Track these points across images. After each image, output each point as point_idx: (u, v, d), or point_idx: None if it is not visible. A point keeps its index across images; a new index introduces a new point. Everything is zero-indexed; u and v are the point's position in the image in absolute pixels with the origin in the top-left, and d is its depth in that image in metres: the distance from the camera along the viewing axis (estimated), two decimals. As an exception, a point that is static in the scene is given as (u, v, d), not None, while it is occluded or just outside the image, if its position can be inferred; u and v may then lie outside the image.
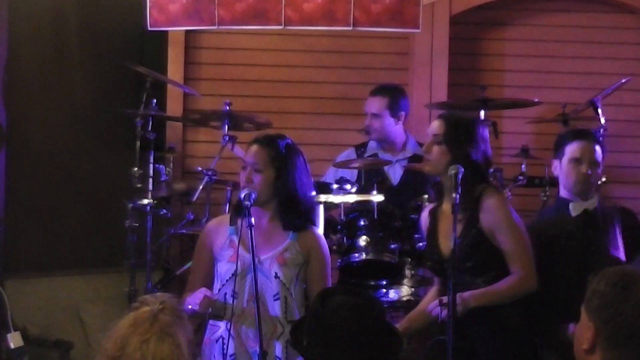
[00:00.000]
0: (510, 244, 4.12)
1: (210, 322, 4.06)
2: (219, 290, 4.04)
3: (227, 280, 4.01)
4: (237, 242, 4.02)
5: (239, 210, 4.02)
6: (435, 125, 4.25)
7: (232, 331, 3.99)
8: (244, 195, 3.96)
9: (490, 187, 4.24)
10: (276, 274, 4.06)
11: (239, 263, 3.97)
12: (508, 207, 4.20)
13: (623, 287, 2.51)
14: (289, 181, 4.13)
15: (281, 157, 4.14)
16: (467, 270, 4.14)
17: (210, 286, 4.08)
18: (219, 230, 4.13)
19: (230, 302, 3.98)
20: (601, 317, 2.50)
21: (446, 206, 4.26)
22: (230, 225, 4.09)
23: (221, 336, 4.01)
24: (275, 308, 4.05)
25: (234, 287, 3.97)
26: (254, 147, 4.14)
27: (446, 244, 4.18)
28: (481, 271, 4.15)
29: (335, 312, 2.99)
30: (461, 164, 4.08)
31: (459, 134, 4.19)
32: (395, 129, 5.88)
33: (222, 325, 4.01)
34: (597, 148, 4.49)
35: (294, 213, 4.14)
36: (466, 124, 4.26)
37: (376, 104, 5.83)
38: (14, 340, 3.22)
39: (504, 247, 4.12)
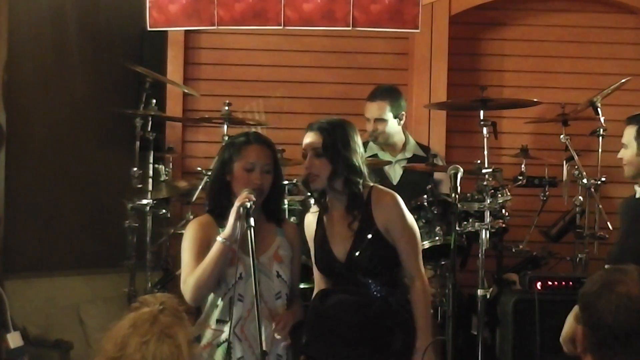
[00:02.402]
0: (405, 246, 4.16)
1: (213, 327, 4.04)
2: (225, 294, 4.02)
3: (232, 285, 3.98)
4: (235, 246, 3.99)
5: (246, 214, 3.95)
6: (312, 139, 4.20)
7: (239, 334, 3.99)
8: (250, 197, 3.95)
9: (377, 186, 4.25)
10: (278, 272, 4.08)
11: (241, 266, 3.96)
12: (401, 205, 4.20)
13: (600, 287, 2.50)
14: (281, 176, 4.21)
15: (276, 154, 4.19)
16: (364, 271, 4.16)
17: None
18: (212, 231, 4.08)
19: (236, 306, 3.97)
20: (583, 318, 2.50)
21: (335, 213, 4.26)
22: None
23: (226, 340, 3.99)
24: (277, 307, 4.05)
25: (234, 290, 3.95)
26: (260, 148, 4.11)
27: (340, 249, 4.20)
28: (377, 272, 4.17)
29: (334, 309, 3.00)
30: (342, 170, 4.14)
31: (336, 142, 4.18)
32: (398, 129, 5.90)
33: (226, 329, 3.99)
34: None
35: (280, 207, 4.26)
36: (341, 130, 4.23)
37: (379, 109, 5.83)
38: (14, 340, 3.21)
39: (399, 248, 4.16)
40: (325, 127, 4.21)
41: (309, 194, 4.38)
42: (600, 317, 2.45)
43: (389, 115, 5.83)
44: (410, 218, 4.22)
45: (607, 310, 2.45)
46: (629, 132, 4.68)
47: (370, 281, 4.15)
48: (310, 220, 4.37)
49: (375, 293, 4.13)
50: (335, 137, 4.18)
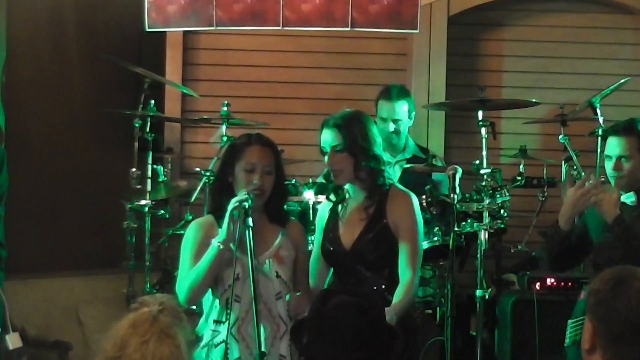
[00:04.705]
0: (407, 244, 4.20)
1: (211, 327, 4.04)
2: (221, 295, 4.02)
3: (229, 286, 3.97)
4: (230, 245, 3.99)
5: (244, 214, 3.95)
6: (329, 136, 4.23)
7: (236, 335, 3.98)
8: (244, 197, 3.95)
9: (397, 184, 4.33)
10: (277, 272, 4.06)
11: (238, 266, 3.95)
12: (415, 206, 4.26)
13: (615, 283, 2.51)
14: (283, 177, 4.19)
15: (278, 155, 4.17)
16: (365, 263, 4.21)
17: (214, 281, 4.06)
18: (211, 232, 4.08)
19: (233, 307, 3.96)
20: (597, 315, 2.50)
21: (353, 201, 4.30)
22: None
23: (223, 341, 3.98)
24: (277, 307, 4.04)
25: (232, 291, 3.94)
26: (261, 149, 4.09)
27: (348, 237, 4.25)
28: (379, 266, 4.22)
29: (336, 311, 2.99)
30: (365, 162, 4.19)
31: (355, 135, 4.21)
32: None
33: (224, 330, 3.99)
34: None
35: (283, 208, 4.23)
36: (357, 122, 4.27)
37: (401, 109, 5.80)
38: (13, 341, 3.20)
39: (400, 244, 4.20)
40: (340, 122, 4.24)
41: (329, 187, 4.39)
42: (619, 312, 2.46)
43: (406, 116, 5.82)
44: (420, 222, 4.26)
45: (626, 304, 2.46)
46: (631, 143, 4.44)
47: (370, 274, 4.18)
48: (325, 209, 4.41)
49: (374, 287, 4.15)
50: (353, 130, 4.22)
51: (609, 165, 4.47)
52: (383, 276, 4.21)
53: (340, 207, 4.33)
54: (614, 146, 4.48)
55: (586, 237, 4.56)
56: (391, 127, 5.77)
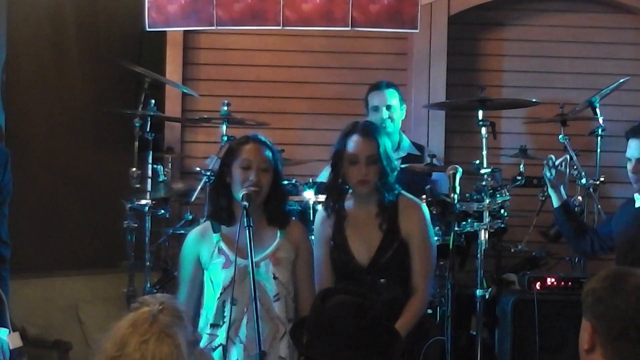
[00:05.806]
0: (419, 259, 4.26)
1: (208, 331, 4.04)
2: (217, 298, 4.02)
3: (225, 289, 3.98)
4: (225, 248, 4.01)
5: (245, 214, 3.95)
6: (366, 146, 4.24)
7: (233, 337, 3.98)
8: (242, 196, 3.95)
9: (403, 194, 4.33)
10: (274, 274, 4.06)
11: (234, 269, 3.94)
12: (427, 218, 4.31)
13: (613, 281, 2.51)
14: (281, 178, 4.19)
15: (276, 154, 4.17)
16: (386, 276, 4.23)
17: (200, 298, 4.08)
18: (205, 239, 4.10)
19: (230, 309, 3.97)
20: (595, 313, 2.50)
21: (359, 216, 4.30)
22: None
23: (221, 344, 3.98)
24: (276, 308, 4.05)
25: (232, 294, 3.94)
26: (257, 147, 4.11)
27: (363, 253, 4.26)
28: (397, 276, 4.25)
29: (335, 311, 2.99)
30: (389, 174, 4.23)
31: (385, 146, 4.25)
32: (400, 124, 5.91)
33: (220, 333, 3.99)
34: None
35: (282, 209, 4.21)
36: (384, 135, 4.32)
37: (391, 96, 5.84)
38: (13, 340, 3.21)
39: (414, 258, 4.26)
40: (374, 133, 4.26)
41: (327, 201, 4.38)
42: (618, 309, 2.46)
43: (398, 105, 5.85)
44: (431, 232, 4.32)
45: (625, 301, 2.47)
46: None
47: (385, 283, 4.18)
48: (324, 220, 4.38)
49: (391, 296, 4.15)
50: (383, 141, 4.26)
51: (629, 167, 4.51)
52: (399, 283, 4.22)
53: (345, 221, 4.32)
54: (633, 148, 4.52)
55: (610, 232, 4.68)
56: (385, 113, 5.78)
